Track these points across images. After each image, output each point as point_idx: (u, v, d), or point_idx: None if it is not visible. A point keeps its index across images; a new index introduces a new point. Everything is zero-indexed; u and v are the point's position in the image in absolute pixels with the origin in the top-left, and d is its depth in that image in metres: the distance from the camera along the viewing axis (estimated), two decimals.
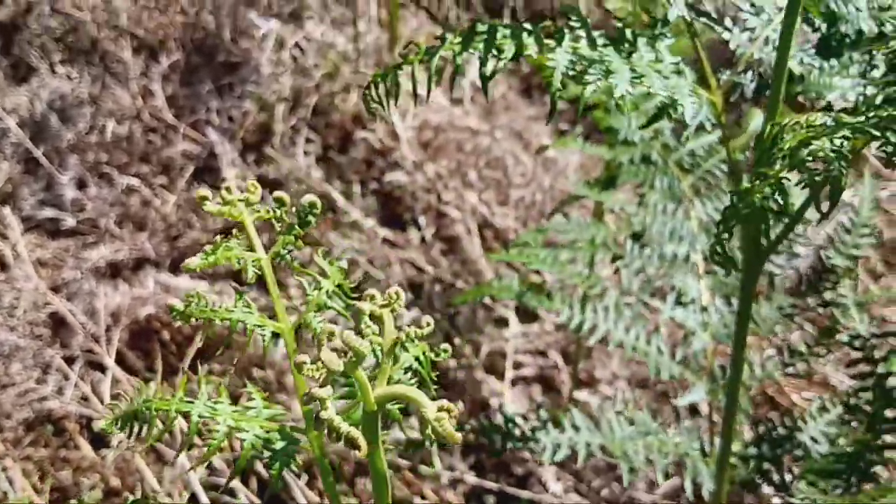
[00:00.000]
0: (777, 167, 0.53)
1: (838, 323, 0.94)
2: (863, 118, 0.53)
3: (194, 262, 0.64)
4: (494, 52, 0.65)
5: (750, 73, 0.74)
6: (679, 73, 0.71)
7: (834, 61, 0.72)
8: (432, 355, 0.64)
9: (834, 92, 0.69)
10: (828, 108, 0.69)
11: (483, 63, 0.64)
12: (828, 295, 0.96)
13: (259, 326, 0.66)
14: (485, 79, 0.65)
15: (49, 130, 2.23)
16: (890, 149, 0.52)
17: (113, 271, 2.06)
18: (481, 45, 0.65)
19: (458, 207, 2.16)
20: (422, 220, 2.15)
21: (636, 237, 1.08)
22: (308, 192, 2.14)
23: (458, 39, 0.65)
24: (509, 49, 0.65)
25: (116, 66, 2.39)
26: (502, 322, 2.02)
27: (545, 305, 0.97)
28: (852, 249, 0.98)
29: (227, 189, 0.66)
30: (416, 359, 0.63)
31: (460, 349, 1.99)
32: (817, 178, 0.51)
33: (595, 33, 0.69)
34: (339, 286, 0.69)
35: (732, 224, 0.56)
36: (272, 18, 2.39)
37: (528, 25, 0.68)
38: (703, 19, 0.74)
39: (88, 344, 1.87)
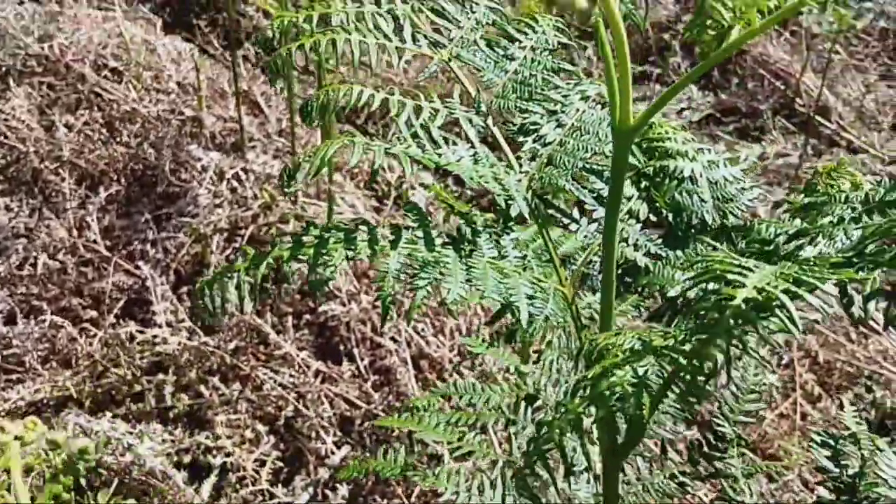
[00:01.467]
0: (577, 399, 0.52)
1: (728, 495, 0.92)
2: (673, 340, 0.53)
3: None
4: (325, 257, 0.64)
5: (599, 264, 0.74)
6: (525, 268, 0.71)
7: (680, 252, 0.73)
8: None
9: (676, 287, 0.69)
10: (671, 303, 0.69)
11: (312, 271, 0.64)
12: (718, 464, 0.94)
13: None
14: (315, 285, 0.64)
15: None
16: (688, 379, 0.51)
17: (35, 411, 1.99)
18: (311, 251, 0.64)
19: (394, 338, 2.14)
20: (356, 351, 2.12)
21: (530, 400, 1.06)
22: (239, 324, 2.11)
23: (288, 244, 0.65)
24: (340, 254, 0.64)
25: (56, 196, 2.40)
26: (436, 458, 1.96)
27: (429, 483, 0.94)
28: (740, 416, 0.96)
29: (1, 428, 0.64)
30: None
31: (393, 489, 1.93)
32: (615, 416, 0.50)
33: (435, 232, 0.69)
34: None
35: (534, 460, 0.55)
36: (213, 150, 2.42)
37: (364, 227, 0.68)
38: (551, 211, 0.75)
39: (1, 492, 1.79)
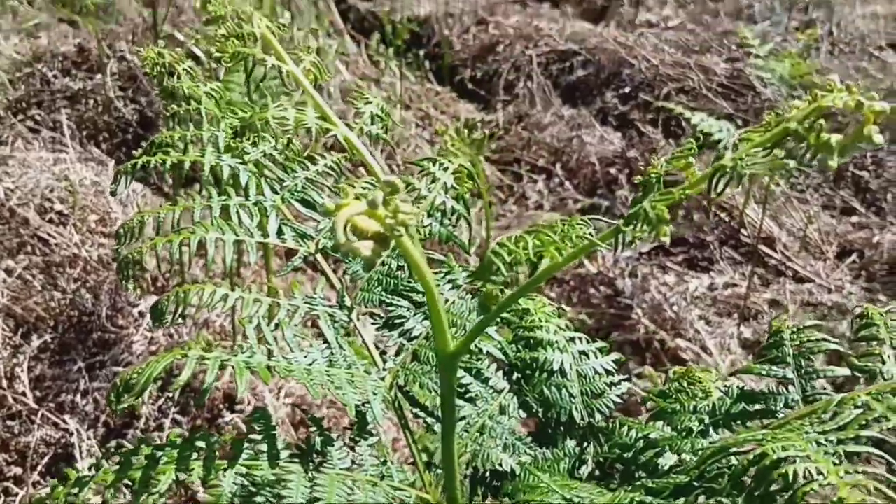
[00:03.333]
0: None
1: None
2: None
3: None
4: (152, 480, 0.60)
5: (465, 466, 0.70)
6: (383, 476, 0.67)
7: (549, 452, 0.69)
8: None
9: (536, 496, 0.65)
10: None
11: (136, 498, 0.59)
12: None
13: None
14: None
15: None
16: None
17: None
18: (138, 475, 0.60)
19: None
20: None
21: None
22: None
23: (113, 469, 0.61)
24: (167, 480, 0.60)
25: None
26: None
27: None
28: None
29: None
30: None
31: None
32: None
33: (281, 444, 0.65)
34: None
35: None
36: (153, 294, 2.39)
37: (201, 442, 0.64)
38: (416, 410, 0.72)
39: None
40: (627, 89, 4.05)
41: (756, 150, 0.62)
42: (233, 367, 0.63)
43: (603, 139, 3.63)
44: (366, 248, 0.44)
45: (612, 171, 3.40)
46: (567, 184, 3.45)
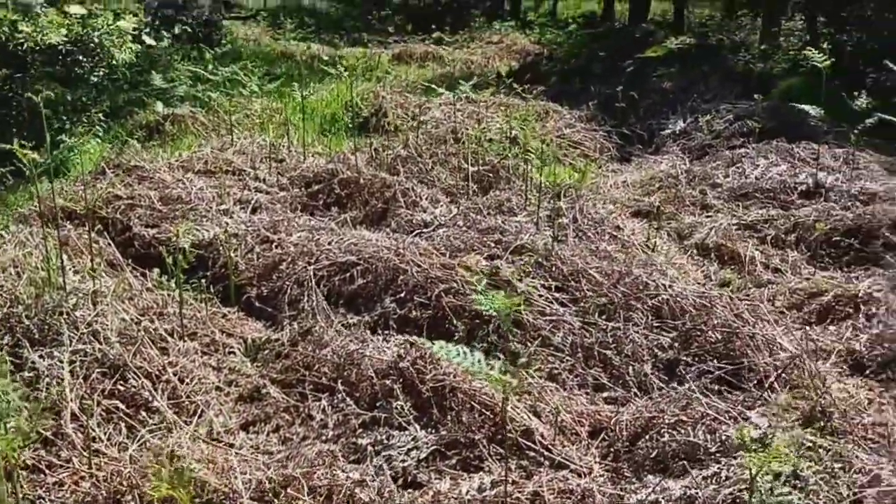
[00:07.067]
0: None
1: None
2: None
3: None
4: None
5: None
6: None
7: None
8: None
9: None
10: None
11: None
12: None
13: None
14: None
15: None
16: None
17: None
18: None
19: None
20: None
21: None
22: None
23: None
24: None
25: None
26: None
27: None
28: None
29: None
30: None
31: None
32: None
33: None
34: None
35: None
36: None
37: None
38: None
39: None
40: (403, 294, 4.36)
41: None
42: None
43: (380, 350, 3.87)
44: None
45: (388, 382, 3.63)
46: (349, 399, 3.61)
